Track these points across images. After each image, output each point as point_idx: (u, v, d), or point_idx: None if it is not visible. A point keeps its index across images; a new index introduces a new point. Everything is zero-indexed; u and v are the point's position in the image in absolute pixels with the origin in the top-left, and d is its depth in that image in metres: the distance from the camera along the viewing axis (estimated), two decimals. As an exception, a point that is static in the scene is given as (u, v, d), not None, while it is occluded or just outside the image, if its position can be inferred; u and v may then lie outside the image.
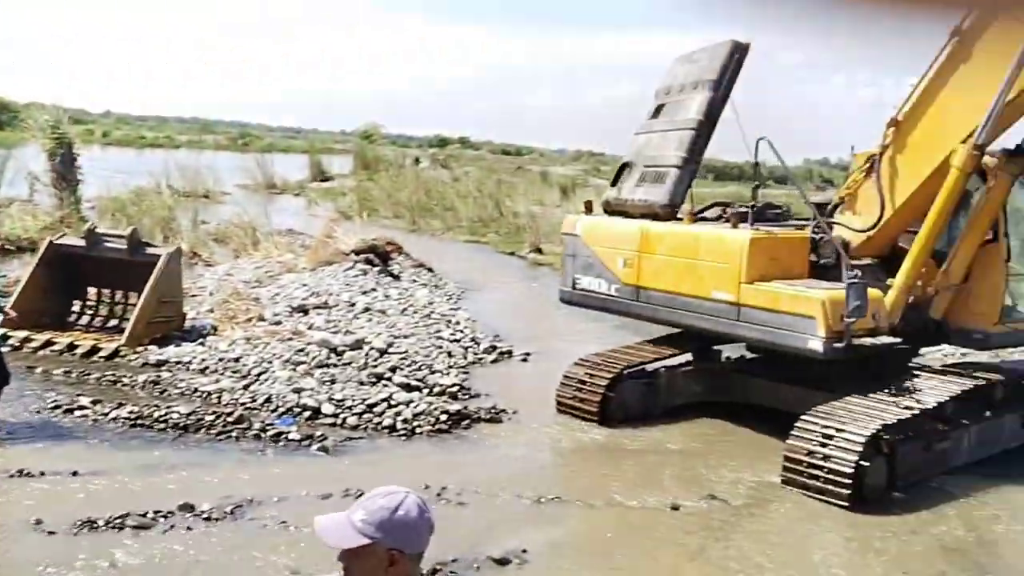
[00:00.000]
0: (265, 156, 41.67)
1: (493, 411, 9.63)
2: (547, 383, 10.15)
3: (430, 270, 17.54)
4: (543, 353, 12.60)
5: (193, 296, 13.12)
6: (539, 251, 23.04)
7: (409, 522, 2.19)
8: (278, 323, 11.99)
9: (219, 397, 9.32)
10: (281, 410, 9.02)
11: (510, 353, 12.41)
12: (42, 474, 7.11)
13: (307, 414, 8.97)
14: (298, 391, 9.39)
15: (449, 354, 11.56)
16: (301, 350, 10.68)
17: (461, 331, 12.90)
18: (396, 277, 15.81)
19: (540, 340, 13.41)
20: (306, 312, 12.62)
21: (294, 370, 10.11)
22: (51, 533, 6.20)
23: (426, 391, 9.98)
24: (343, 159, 48.02)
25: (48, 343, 10.70)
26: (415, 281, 16.13)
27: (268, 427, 8.54)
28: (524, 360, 12.30)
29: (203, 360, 10.43)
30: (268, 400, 9.21)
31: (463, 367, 11.29)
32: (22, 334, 10.64)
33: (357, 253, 15.94)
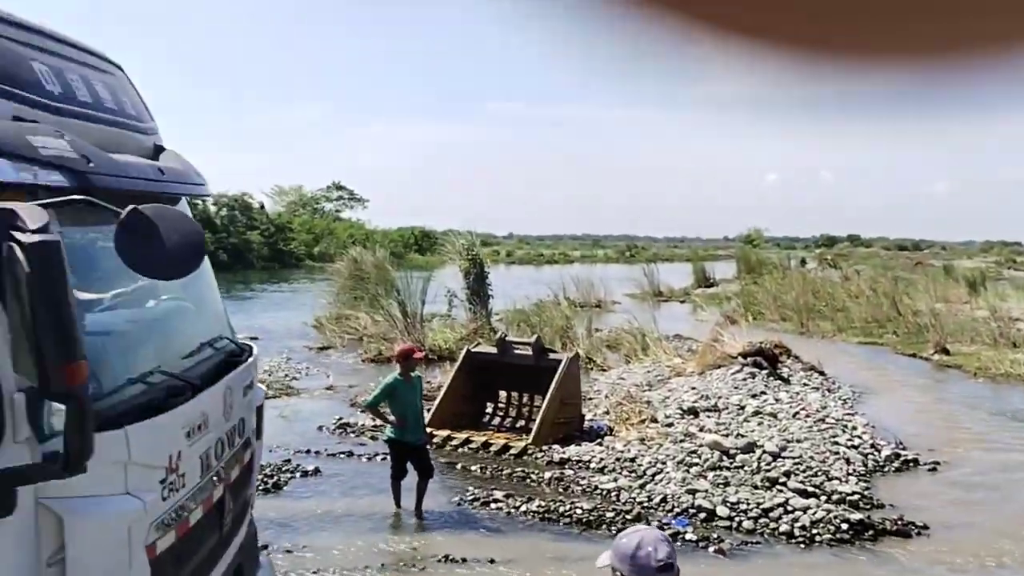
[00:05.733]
0: (651, 266, 43.20)
1: (900, 523, 8.97)
2: (963, 495, 9.26)
3: (822, 373, 16.90)
4: (955, 463, 11.53)
5: (590, 399, 13.88)
6: (945, 351, 21.21)
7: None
8: (670, 425, 12.28)
9: (617, 495, 9.74)
10: (676, 510, 9.20)
11: (916, 462, 11.50)
12: (464, 560, 7.90)
13: (702, 515, 9.06)
14: (692, 492, 9.53)
15: (847, 460, 11.00)
16: (693, 452, 10.83)
17: (859, 437, 12.22)
18: (786, 380, 15.46)
19: (950, 448, 12.30)
20: (696, 414, 12.79)
21: (687, 471, 10.28)
22: (475, 613, 6.86)
23: (824, 498, 9.59)
24: (726, 264, 48.27)
25: (466, 441, 11.90)
26: (806, 384, 15.63)
27: (664, 526, 8.73)
28: (932, 470, 11.33)
29: (601, 459, 10.97)
30: (664, 500, 9.44)
31: (863, 475, 10.67)
32: (444, 433, 11.96)
33: (744, 356, 15.86)
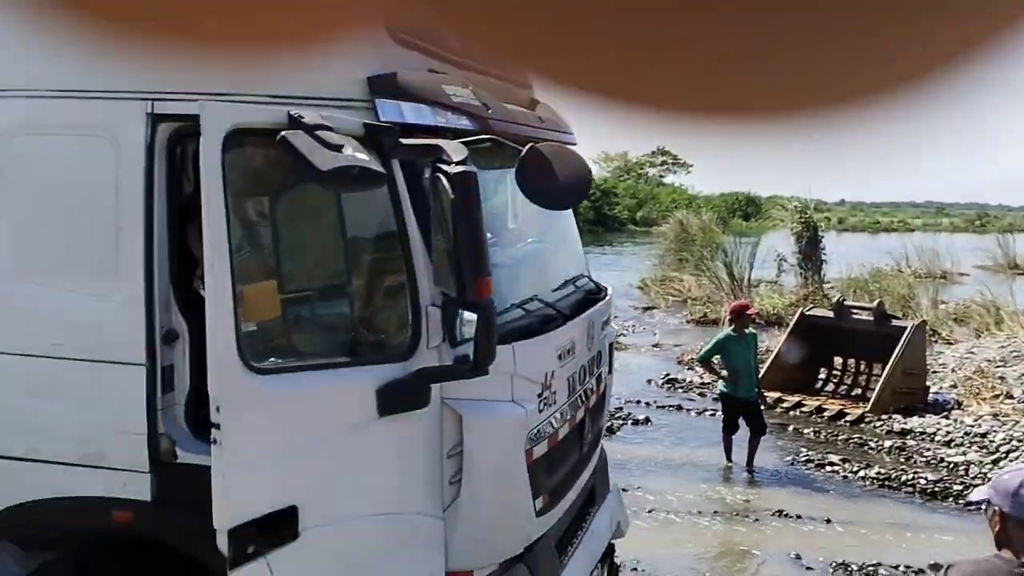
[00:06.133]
0: (1006, 236, 38.93)
1: None
2: None
3: None
4: None
5: (934, 372, 13.00)
6: None
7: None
8: (1029, 403, 11.20)
9: (966, 469, 9.14)
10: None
11: None
12: (798, 517, 7.86)
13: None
14: (1056, 475, 8.68)
15: None
16: (1057, 433, 9.84)
17: None
18: None
19: None
20: (1062, 395, 11.53)
21: (1050, 453, 9.37)
22: (808, 568, 6.84)
23: None
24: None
25: (798, 405, 11.68)
26: None
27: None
28: None
29: (948, 432, 10.30)
30: (1020, 480, 8.70)
31: None
32: (775, 395, 11.80)
33: None
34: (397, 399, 3.37)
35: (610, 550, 5.18)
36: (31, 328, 3.60)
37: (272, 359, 3.24)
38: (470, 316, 3.23)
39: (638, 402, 11.76)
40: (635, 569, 6.58)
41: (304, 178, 3.09)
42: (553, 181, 3.35)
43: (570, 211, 5.37)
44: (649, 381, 13.15)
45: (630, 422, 10.79)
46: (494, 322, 3.22)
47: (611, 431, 10.27)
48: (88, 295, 3.53)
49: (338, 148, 2.96)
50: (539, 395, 3.87)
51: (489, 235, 4.79)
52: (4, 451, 3.66)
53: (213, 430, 2.96)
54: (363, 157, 3.02)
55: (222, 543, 2.98)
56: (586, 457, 4.72)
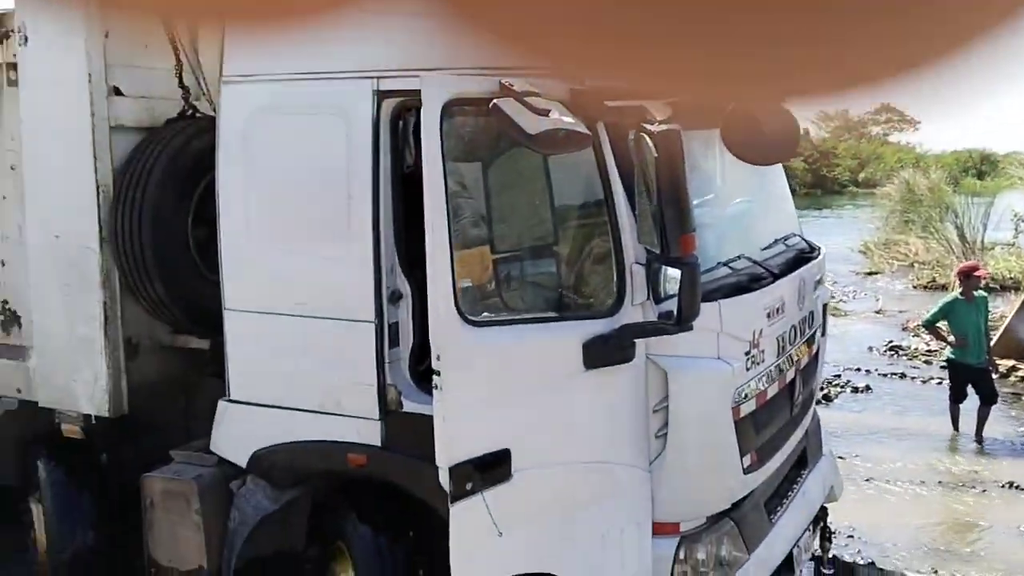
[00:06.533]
0: None
1: None
2: None
3: None
4: None
5: None
6: None
7: None
8: None
9: None
10: None
11: None
12: (1031, 489, 7.34)
13: None
14: None
15: None
16: None
17: None
18: None
19: None
20: None
21: None
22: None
23: None
24: None
25: (1033, 374, 10.81)
26: None
27: None
28: None
29: None
30: None
31: None
32: (1009, 363, 10.97)
33: None
34: (602, 353, 3.51)
35: (822, 514, 5.10)
36: (278, 289, 4.02)
37: (486, 313, 3.48)
38: (674, 273, 3.32)
39: (858, 369, 11.29)
40: (851, 536, 6.40)
41: (515, 143, 3.27)
42: (760, 136, 3.35)
43: (780, 169, 5.28)
44: (870, 348, 12.57)
45: (849, 389, 10.40)
46: (698, 278, 3.28)
47: (828, 399, 9.96)
48: (324, 258, 3.90)
49: (545, 113, 3.12)
50: (746, 353, 3.88)
51: (697, 196, 4.85)
52: (256, 399, 4.13)
53: (435, 377, 3.23)
54: (569, 120, 3.16)
55: (444, 479, 3.26)
56: (797, 419, 4.67)
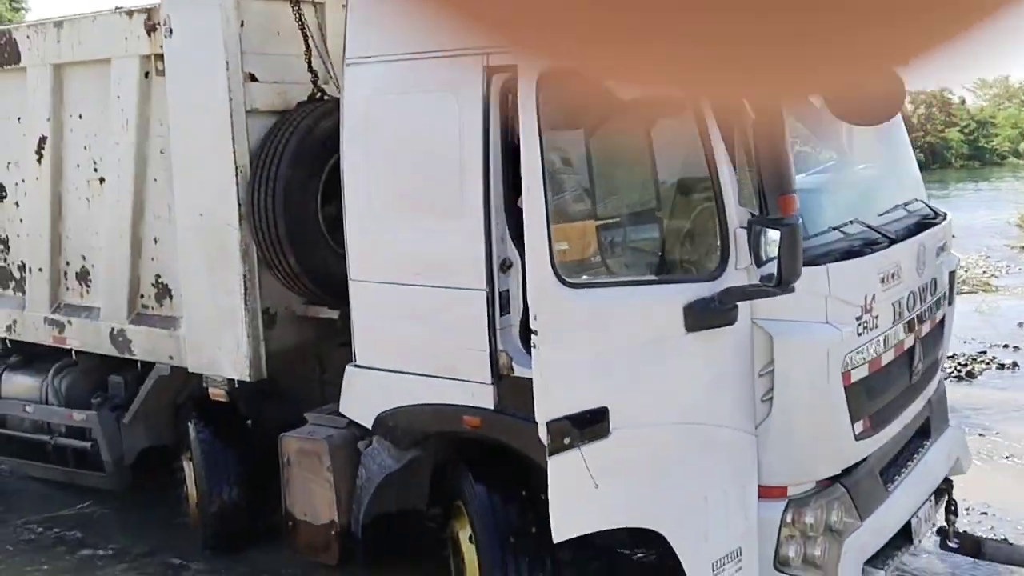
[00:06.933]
0: None
1: None
2: None
3: None
4: None
5: None
6: None
7: None
8: None
9: None
10: None
11: None
12: None
13: None
14: None
15: None
16: None
17: None
18: None
19: None
20: None
21: None
22: None
23: None
24: None
25: None
26: None
27: None
28: None
29: None
30: None
31: None
32: None
33: None
34: (704, 316, 3.56)
35: (947, 486, 4.96)
36: (398, 261, 4.25)
37: (584, 276, 3.59)
38: (775, 236, 3.33)
39: (1006, 346, 10.72)
40: (984, 513, 6.15)
41: (614, 111, 3.36)
42: (861, 97, 3.30)
43: (904, 135, 5.14)
44: (1020, 324, 11.90)
45: (995, 366, 9.91)
46: (799, 239, 3.28)
47: (971, 375, 9.55)
48: (439, 230, 4.09)
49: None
50: (858, 318, 3.84)
51: (817, 163, 4.80)
52: (378, 364, 4.38)
53: (532, 336, 3.37)
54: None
55: (542, 433, 3.40)
56: (917, 387, 4.56)
